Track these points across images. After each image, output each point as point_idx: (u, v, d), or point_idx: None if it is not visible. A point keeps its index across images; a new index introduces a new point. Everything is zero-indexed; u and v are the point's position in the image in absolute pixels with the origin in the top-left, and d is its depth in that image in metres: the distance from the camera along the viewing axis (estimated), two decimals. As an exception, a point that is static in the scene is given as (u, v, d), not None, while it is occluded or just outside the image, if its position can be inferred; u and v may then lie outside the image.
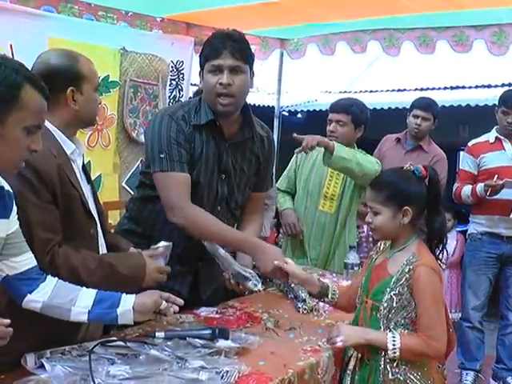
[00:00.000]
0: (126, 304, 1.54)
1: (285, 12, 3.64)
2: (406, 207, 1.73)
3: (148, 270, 1.75)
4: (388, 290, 1.72)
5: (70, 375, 1.45)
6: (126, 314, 1.53)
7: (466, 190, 3.42)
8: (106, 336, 1.80)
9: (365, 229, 3.66)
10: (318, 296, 1.99)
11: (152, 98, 3.91)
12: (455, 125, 6.13)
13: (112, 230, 2.23)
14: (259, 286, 1.93)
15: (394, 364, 1.70)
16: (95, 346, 1.57)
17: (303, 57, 4.54)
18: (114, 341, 1.65)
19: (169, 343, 1.63)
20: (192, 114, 2.05)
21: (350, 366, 1.82)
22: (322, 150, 2.76)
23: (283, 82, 5.07)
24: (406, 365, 1.71)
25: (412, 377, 1.71)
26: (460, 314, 3.80)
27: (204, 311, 2.09)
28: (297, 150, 2.76)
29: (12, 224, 1.42)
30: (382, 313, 1.73)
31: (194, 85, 4.23)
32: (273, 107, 5.29)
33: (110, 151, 3.69)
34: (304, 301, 2.19)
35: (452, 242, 4.69)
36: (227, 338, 1.67)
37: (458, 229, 4.86)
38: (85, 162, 1.83)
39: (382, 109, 5.81)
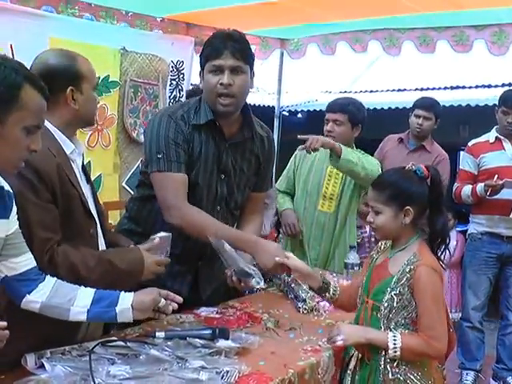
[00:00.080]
0: (125, 302, 1.54)
1: (285, 12, 3.64)
2: (408, 207, 1.73)
3: (146, 264, 1.75)
4: (389, 289, 1.71)
5: (70, 375, 1.44)
6: (125, 312, 1.53)
7: (466, 189, 3.42)
8: (106, 336, 1.80)
9: (367, 229, 3.64)
10: (319, 291, 1.97)
11: (152, 98, 3.91)
12: (455, 125, 6.12)
13: (112, 230, 2.23)
14: (262, 284, 1.91)
15: (394, 364, 1.70)
16: (95, 346, 1.57)
17: (303, 57, 4.53)
18: (114, 341, 1.65)
19: (169, 343, 1.63)
20: (192, 113, 2.04)
21: (351, 366, 1.82)
22: (322, 150, 2.76)
23: (283, 82, 5.06)
24: (406, 365, 1.71)
25: (412, 377, 1.71)
26: (460, 314, 3.80)
27: (204, 311, 2.09)
28: (299, 148, 2.76)
29: (12, 224, 1.42)
30: (383, 313, 1.72)
31: (194, 85, 4.23)
32: (273, 107, 5.29)
33: (110, 151, 3.69)
34: (304, 301, 2.19)
35: (452, 241, 4.67)
36: (227, 338, 1.67)
37: (458, 229, 4.86)
38: (85, 162, 1.83)
39: (383, 109, 5.81)
